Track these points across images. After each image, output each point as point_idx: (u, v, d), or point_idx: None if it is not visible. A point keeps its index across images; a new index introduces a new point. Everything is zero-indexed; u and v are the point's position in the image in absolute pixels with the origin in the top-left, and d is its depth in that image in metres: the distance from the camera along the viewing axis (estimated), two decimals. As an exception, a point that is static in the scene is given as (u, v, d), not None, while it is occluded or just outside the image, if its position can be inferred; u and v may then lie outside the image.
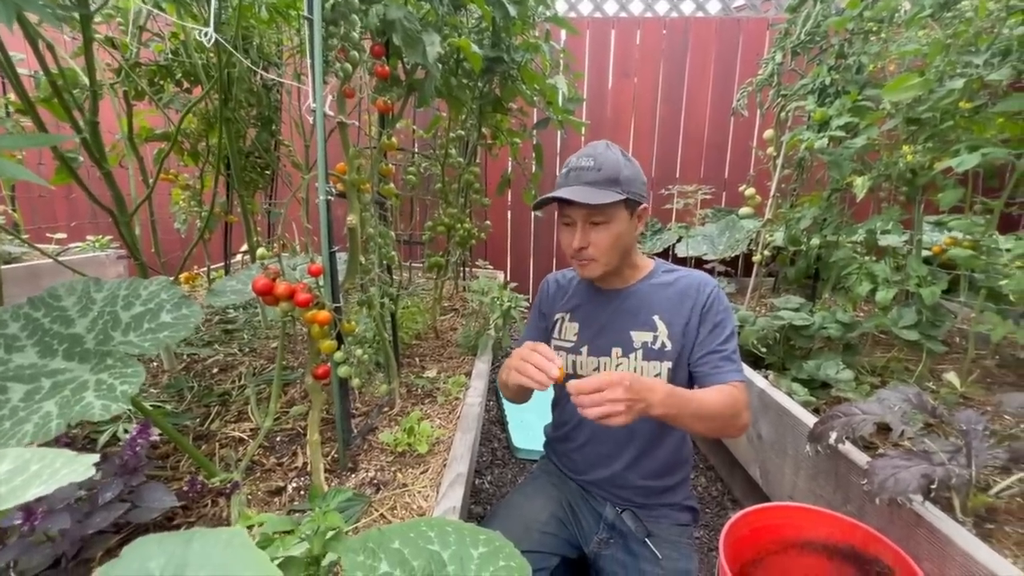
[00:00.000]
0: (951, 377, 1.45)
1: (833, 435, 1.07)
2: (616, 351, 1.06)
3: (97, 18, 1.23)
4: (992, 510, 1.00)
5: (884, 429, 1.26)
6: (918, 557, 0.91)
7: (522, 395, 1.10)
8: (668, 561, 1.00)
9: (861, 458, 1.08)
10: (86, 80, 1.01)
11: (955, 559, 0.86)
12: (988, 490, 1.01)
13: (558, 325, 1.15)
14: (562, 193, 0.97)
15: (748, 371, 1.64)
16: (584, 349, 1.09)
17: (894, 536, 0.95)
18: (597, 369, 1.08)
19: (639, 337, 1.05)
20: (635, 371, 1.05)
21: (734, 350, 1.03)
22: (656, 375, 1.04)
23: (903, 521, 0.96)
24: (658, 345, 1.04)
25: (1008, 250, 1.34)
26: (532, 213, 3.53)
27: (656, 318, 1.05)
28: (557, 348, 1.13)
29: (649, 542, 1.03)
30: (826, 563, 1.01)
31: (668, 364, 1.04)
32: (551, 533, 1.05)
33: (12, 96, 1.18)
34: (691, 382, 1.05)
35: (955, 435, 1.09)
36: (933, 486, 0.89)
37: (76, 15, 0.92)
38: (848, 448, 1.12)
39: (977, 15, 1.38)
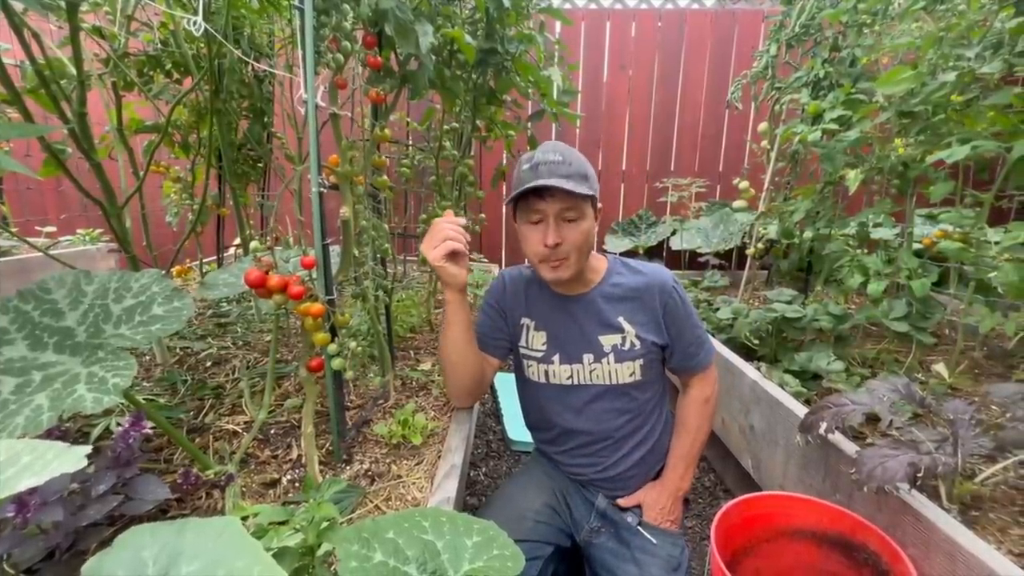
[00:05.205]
0: (940, 368, 1.47)
1: (823, 425, 1.08)
2: (587, 357, 1.07)
3: (84, 7, 1.21)
4: (977, 497, 1.01)
5: (873, 419, 1.28)
6: (904, 543, 0.92)
7: (459, 354, 1.08)
8: (660, 548, 1.02)
9: (850, 448, 1.10)
10: (73, 70, 0.99)
11: (940, 545, 0.87)
12: (974, 478, 1.03)
13: (524, 333, 1.13)
14: (547, 182, 0.92)
15: (740, 363, 1.66)
16: (556, 358, 1.09)
17: (881, 523, 0.97)
18: (571, 377, 1.09)
19: (608, 341, 1.06)
20: (609, 374, 1.06)
21: (699, 332, 1.11)
22: (630, 374, 1.06)
23: (890, 509, 0.98)
24: (627, 346, 1.06)
25: (997, 243, 1.35)
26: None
27: (621, 319, 1.06)
28: (526, 357, 1.13)
29: (641, 529, 1.05)
30: (815, 550, 1.03)
31: (640, 362, 1.06)
32: (544, 522, 1.06)
33: (-2, 86, 1.16)
34: (662, 366, 1.14)
35: (943, 425, 1.11)
36: (920, 474, 0.91)
37: (62, 3, 0.91)
38: (838, 438, 1.14)
39: (970, 8, 1.38)
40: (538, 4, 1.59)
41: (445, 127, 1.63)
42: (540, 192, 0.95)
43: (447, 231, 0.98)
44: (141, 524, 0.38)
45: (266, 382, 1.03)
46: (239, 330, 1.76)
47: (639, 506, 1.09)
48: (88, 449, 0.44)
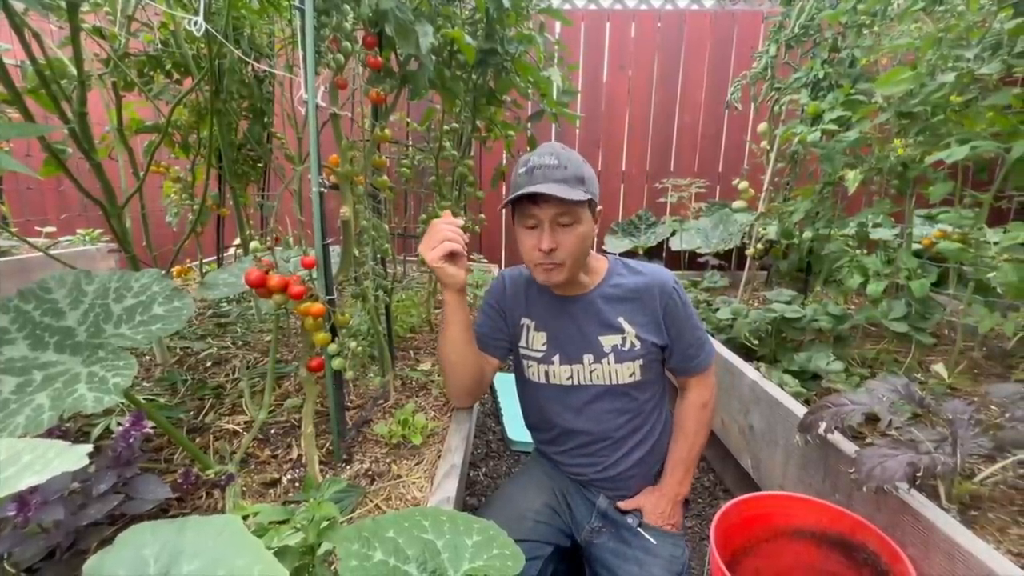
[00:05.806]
0: (939, 368, 1.48)
1: (822, 425, 1.09)
2: (587, 358, 1.07)
3: (84, 7, 1.21)
4: (976, 497, 1.02)
5: (873, 419, 1.28)
6: (903, 543, 0.92)
7: (457, 353, 1.08)
8: (660, 548, 1.02)
9: (849, 448, 1.10)
10: (74, 70, 0.99)
11: (939, 545, 0.87)
12: (973, 478, 1.03)
13: (525, 333, 1.14)
14: (539, 188, 0.91)
15: (740, 363, 1.66)
16: (556, 358, 1.09)
17: (881, 523, 0.97)
18: (571, 378, 1.09)
19: (608, 341, 1.06)
20: (609, 375, 1.07)
21: (699, 334, 1.11)
22: (630, 375, 1.06)
23: (889, 508, 0.98)
24: (627, 346, 1.06)
25: (996, 243, 1.35)
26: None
27: (621, 320, 1.06)
28: (526, 357, 1.13)
29: (642, 531, 1.05)
30: (815, 550, 1.03)
31: (639, 363, 1.06)
32: (544, 522, 1.06)
33: (-2, 86, 1.16)
34: (662, 367, 1.13)
35: (942, 425, 1.11)
36: (919, 474, 0.91)
37: (63, 3, 0.91)
38: (837, 438, 1.14)
39: (968, 9, 1.38)
40: (538, 4, 1.59)
41: (445, 127, 1.63)
42: (534, 198, 0.95)
43: (445, 232, 0.98)
44: (142, 523, 0.38)
45: (266, 382, 1.03)
46: (239, 330, 1.76)
47: (639, 509, 1.10)
48: (89, 448, 0.44)
